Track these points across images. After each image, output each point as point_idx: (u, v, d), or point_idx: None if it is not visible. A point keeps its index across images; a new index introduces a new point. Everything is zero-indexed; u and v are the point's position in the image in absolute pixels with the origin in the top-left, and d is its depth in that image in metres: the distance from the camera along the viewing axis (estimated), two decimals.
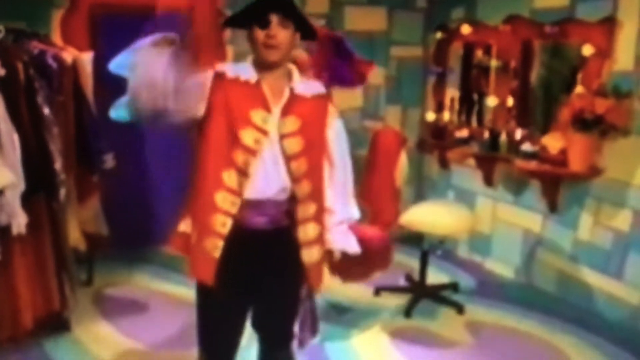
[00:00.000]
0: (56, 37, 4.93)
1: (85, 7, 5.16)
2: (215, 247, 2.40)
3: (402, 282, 5.15)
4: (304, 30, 2.46)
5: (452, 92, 5.91)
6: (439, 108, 6.00)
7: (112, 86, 5.41)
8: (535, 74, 5.05)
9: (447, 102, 5.95)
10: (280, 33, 2.35)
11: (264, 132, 2.38)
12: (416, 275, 4.96)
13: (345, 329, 4.37)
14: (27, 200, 3.60)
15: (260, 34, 2.36)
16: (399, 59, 6.21)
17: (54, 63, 4.03)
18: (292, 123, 2.43)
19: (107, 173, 4.61)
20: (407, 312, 4.58)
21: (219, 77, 2.40)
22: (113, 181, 4.82)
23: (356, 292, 4.98)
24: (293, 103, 2.45)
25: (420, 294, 4.74)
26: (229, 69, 2.44)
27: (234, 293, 2.46)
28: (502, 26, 5.11)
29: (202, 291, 2.54)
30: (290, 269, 2.57)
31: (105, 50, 5.11)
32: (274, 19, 2.34)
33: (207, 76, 2.38)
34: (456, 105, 5.86)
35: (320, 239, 2.60)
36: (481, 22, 5.41)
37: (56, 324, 4.08)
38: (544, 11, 4.78)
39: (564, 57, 4.79)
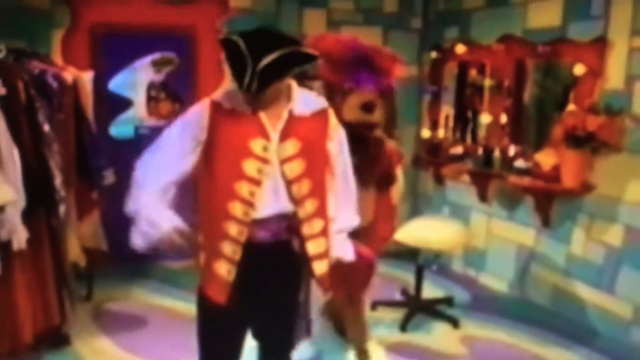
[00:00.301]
0: (57, 57, 5.01)
1: (85, 27, 5.24)
2: (229, 272, 2.44)
3: (398, 296, 5.18)
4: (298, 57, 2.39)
5: (446, 110, 5.98)
6: (434, 125, 6.07)
7: (112, 104, 5.52)
8: (528, 93, 5.12)
9: (442, 119, 6.02)
10: None
11: (266, 161, 2.38)
12: (412, 290, 5.00)
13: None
14: (28, 216, 3.63)
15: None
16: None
17: (55, 82, 4.08)
18: (291, 147, 2.42)
19: (106, 189, 4.66)
20: (403, 326, 4.62)
21: (216, 107, 2.43)
22: (113, 197, 4.84)
23: None
24: (292, 125, 2.43)
25: (416, 309, 4.78)
26: (224, 99, 2.45)
27: (237, 307, 2.47)
28: (496, 46, 5.19)
29: (205, 306, 2.56)
30: (289, 280, 2.62)
31: (105, 69, 5.24)
32: None
33: (204, 107, 2.45)
34: (451, 123, 5.93)
35: (327, 253, 2.62)
36: (475, 42, 5.49)
37: (56, 338, 4.10)
38: (537, 31, 4.86)
39: (556, 76, 4.86)
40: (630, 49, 4.18)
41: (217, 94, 2.48)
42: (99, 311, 4.79)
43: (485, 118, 5.39)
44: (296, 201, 2.44)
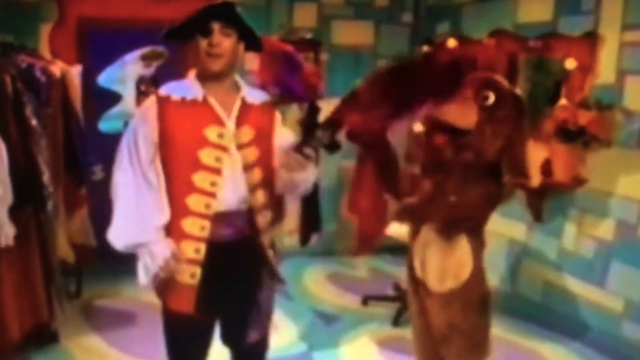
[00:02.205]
0: (44, 51, 4.95)
1: (73, 21, 5.19)
2: (193, 275, 2.36)
3: (390, 291, 5.18)
4: (249, 39, 2.48)
5: None
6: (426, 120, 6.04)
7: (100, 99, 5.46)
8: (519, 87, 5.11)
9: None
10: (224, 41, 2.34)
11: (224, 149, 2.35)
12: (404, 285, 4.99)
13: (333, 338, 4.40)
14: (15, 213, 3.60)
15: (203, 43, 2.35)
16: None
17: (43, 76, 4.04)
18: (246, 133, 2.41)
19: (95, 185, 4.62)
20: (395, 321, 4.62)
21: (164, 101, 2.38)
22: (102, 193, 4.81)
23: (344, 301, 5.02)
24: (245, 112, 2.43)
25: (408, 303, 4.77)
26: (173, 90, 2.41)
27: (203, 309, 2.40)
28: (487, 40, 5.17)
29: (170, 314, 2.50)
30: (254, 278, 2.57)
31: (93, 63, 5.19)
32: (216, 26, 2.34)
33: (150, 104, 2.40)
34: None
35: (273, 245, 2.68)
36: (466, 36, 5.48)
37: (44, 336, 4.07)
38: (528, 26, 4.85)
39: (547, 71, 4.84)
40: (620, 44, 4.18)
41: (164, 88, 2.46)
42: (88, 308, 4.76)
43: None
44: (250, 189, 2.41)
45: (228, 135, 2.36)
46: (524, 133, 2.96)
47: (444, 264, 3.01)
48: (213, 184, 2.33)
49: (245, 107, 2.44)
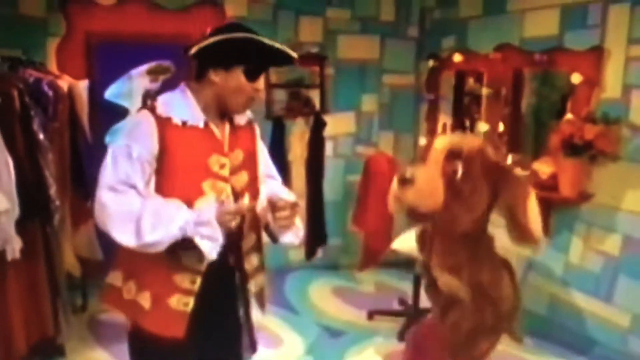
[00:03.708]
0: (52, 65, 4.98)
1: (80, 36, 5.20)
2: (187, 304, 2.24)
3: (395, 305, 5.16)
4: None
5: (444, 119, 5.96)
6: (432, 134, 6.05)
7: (107, 113, 5.49)
8: (525, 101, 5.11)
9: (439, 128, 6.00)
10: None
11: (225, 180, 2.25)
12: (409, 299, 4.98)
13: (338, 352, 4.38)
14: (22, 226, 3.61)
15: (245, 83, 2.19)
16: (391, 87, 6.28)
17: (50, 91, 4.07)
18: (237, 157, 2.31)
19: None
20: (401, 335, 4.59)
21: (165, 122, 2.17)
22: None
23: (350, 315, 5.01)
24: (236, 135, 2.33)
25: (414, 318, 4.74)
26: (171, 111, 2.20)
27: (188, 337, 2.27)
28: (493, 55, 5.17)
29: (149, 343, 2.29)
30: (232, 299, 2.48)
31: (100, 78, 5.22)
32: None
33: (149, 123, 2.17)
34: (448, 131, 5.90)
35: (263, 267, 2.52)
36: (472, 50, 5.48)
37: (50, 349, 4.07)
38: (534, 40, 4.84)
39: (553, 85, 4.86)
40: (627, 58, 4.17)
41: (160, 107, 2.21)
42: (93, 322, 4.75)
43: (482, 126, 5.37)
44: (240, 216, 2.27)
45: (227, 165, 2.26)
46: (517, 193, 2.84)
47: None
48: None
49: (234, 129, 2.33)
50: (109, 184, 2.16)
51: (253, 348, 2.63)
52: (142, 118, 2.19)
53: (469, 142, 2.76)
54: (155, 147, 2.15)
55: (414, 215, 2.88)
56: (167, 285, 2.23)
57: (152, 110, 2.20)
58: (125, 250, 2.17)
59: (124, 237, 2.12)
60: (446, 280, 2.86)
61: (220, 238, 2.12)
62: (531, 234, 2.81)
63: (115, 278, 2.35)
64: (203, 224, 2.09)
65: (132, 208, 2.11)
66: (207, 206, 2.14)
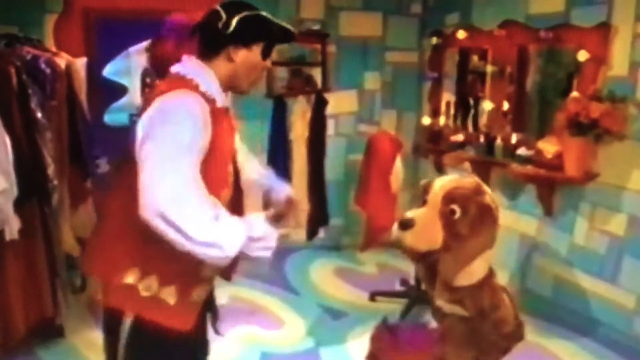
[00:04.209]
0: (49, 43, 4.91)
1: (78, 13, 5.14)
2: (202, 294, 2.20)
3: (397, 287, 5.13)
4: None
5: (447, 97, 5.91)
6: (435, 113, 6.00)
7: (106, 91, 5.44)
8: (530, 79, 5.05)
9: (442, 106, 5.94)
10: None
11: (234, 162, 2.23)
12: (412, 280, 4.95)
13: (340, 334, 4.36)
14: (20, 206, 3.58)
15: (261, 61, 2.15)
16: (394, 65, 6.21)
17: (47, 68, 4.02)
18: (236, 140, 2.31)
19: (100, 178, 4.60)
20: (403, 317, 4.57)
21: (211, 105, 2.03)
22: (107, 186, 4.79)
23: (351, 296, 4.99)
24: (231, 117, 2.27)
25: (416, 299, 4.72)
26: (215, 93, 2.08)
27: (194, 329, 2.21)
28: (498, 32, 5.10)
29: (161, 338, 2.10)
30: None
31: (99, 55, 5.16)
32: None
33: (204, 107, 1.98)
34: (452, 110, 5.85)
35: None
36: (476, 27, 5.41)
37: (49, 330, 4.06)
38: (539, 17, 4.77)
39: (559, 63, 4.79)
40: (634, 35, 4.10)
41: (202, 85, 2.05)
42: (93, 302, 4.71)
43: (487, 105, 5.32)
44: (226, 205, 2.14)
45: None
46: (487, 244, 2.83)
47: None
48: (229, 201, 2.14)
49: (229, 110, 2.23)
50: (186, 177, 1.86)
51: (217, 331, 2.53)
52: (195, 101, 1.97)
53: (465, 183, 2.80)
54: (209, 134, 1.98)
55: (414, 256, 2.96)
56: (194, 276, 2.13)
57: (197, 89, 2.02)
58: (144, 243, 1.97)
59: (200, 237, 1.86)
60: (449, 309, 2.93)
61: (274, 244, 2.00)
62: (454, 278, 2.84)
63: (129, 277, 2.06)
64: (258, 240, 1.95)
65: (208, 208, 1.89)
66: (258, 220, 1.99)
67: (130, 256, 2.07)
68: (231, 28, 2.06)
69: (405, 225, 2.74)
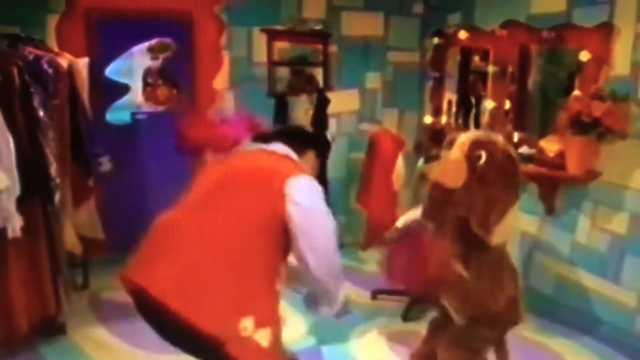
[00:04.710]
0: (52, 43, 4.92)
1: (80, 13, 5.15)
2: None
3: (399, 286, 5.12)
4: None
5: (449, 96, 5.91)
6: (437, 112, 6.00)
7: (108, 90, 5.45)
8: (532, 79, 5.04)
9: (444, 105, 5.94)
10: None
11: None
12: None
13: (342, 332, 4.35)
14: (23, 204, 3.60)
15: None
16: (396, 64, 6.21)
17: (50, 68, 4.04)
18: None
19: (103, 176, 4.61)
20: (404, 315, 4.57)
21: None
22: (109, 184, 4.81)
23: (353, 295, 4.98)
24: None
25: (418, 298, 4.72)
26: None
27: None
28: (499, 31, 5.10)
29: None
30: None
31: (101, 55, 5.17)
32: None
33: None
34: (453, 109, 5.85)
35: None
36: (478, 27, 5.41)
37: (52, 328, 4.08)
38: (541, 17, 4.77)
39: (561, 62, 4.79)
40: (636, 35, 4.09)
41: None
42: (95, 300, 4.74)
43: (488, 104, 5.32)
44: None
45: None
46: (510, 196, 2.88)
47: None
48: None
49: None
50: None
51: None
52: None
53: (494, 136, 2.86)
54: None
55: (437, 192, 2.92)
56: (279, 319, 2.45)
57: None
58: (251, 286, 2.30)
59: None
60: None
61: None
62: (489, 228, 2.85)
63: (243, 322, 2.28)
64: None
65: None
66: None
67: (235, 302, 2.27)
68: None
69: (431, 157, 2.79)
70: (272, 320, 2.34)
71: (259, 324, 2.26)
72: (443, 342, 3.17)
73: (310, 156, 2.80)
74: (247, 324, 2.24)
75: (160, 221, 2.44)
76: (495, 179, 2.76)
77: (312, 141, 2.91)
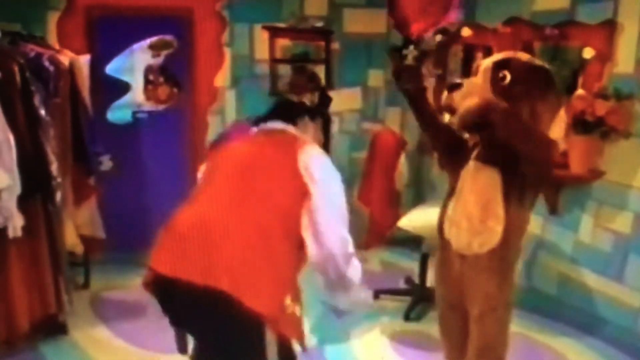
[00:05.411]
0: (52, 40, 4.91)
1: (81, 10, 5.14)
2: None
3: (401, 285, 5.12)
4: None
5: None
6: (439, 110, 5.96)
7: (109, 89, 5.44)
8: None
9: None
10: None
11: None
12: (416, 278, 4.93)
13: (344, 332, 4.34)
14: (23, 203, 3.59)
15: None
16: None
17: (51, 66, 4.03)
18: None
19: (104, 175, 4.59)
20: (407, 315, 4.56)
21: None
22: (110, 183, 4.80)
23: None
24: None
25: (420, 297, 4.71)
26: None
27: None
28: (502, 29, 5.08)
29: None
30: None
31: (102, 52, 5.15)
32: None
33: None
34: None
35: None
36: (481, 24, 5.38)
37: (53, 327, 4.07)
38: (544, 14, 4.75)
39: (564, 60, 4.76)
40: None
41: None
42: (96, 300, 4.73)
43: None
44: None
45: None
46: (549, 105, 2.80)
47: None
48: None
49: None
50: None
51: None
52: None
53: (517, 54, 2.78)
54: None
55: (466, 120, 2.82)
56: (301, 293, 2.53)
57: None
58: (284, 265, 2.42)
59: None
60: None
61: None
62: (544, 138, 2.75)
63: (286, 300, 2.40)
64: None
65: None
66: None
67: (277, 282, 2.37)
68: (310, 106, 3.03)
69: (453, 86, 2.74)
70: (299, 295, 2.47)
71: (294, 300, 2.40)
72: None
73: (308, 123, 2.85)
74: (288, 302, 2.37)
75: (188, 217, 2.42)
76: (526, 93, 2.69)
77: (302, 108, 2.95)
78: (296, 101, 2.97)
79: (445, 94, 2.77)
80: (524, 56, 2.83)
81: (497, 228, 2.67)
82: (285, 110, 2.83)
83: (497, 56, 2.84)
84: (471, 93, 2.69)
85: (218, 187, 2.50)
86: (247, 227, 2.35)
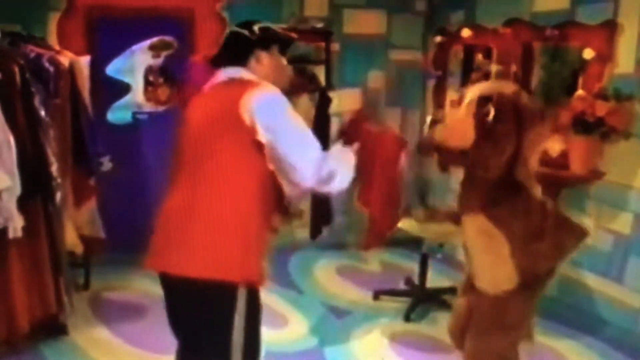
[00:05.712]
0: (52, 41, 4.90)
1: (82, 10, 5.13)
2: None
3: (401, 285, 5.11)
4: None
5: (452, 95, 5.87)
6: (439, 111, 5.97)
7: (109, 89, 5.43)
8: (535, 78, 5.02)
9: (447, 104, 5.91)
10: None
11: None
12: (416, 279, 4.93)
13: (344, 333, 4.34)
14: (24, 204, 3.58)
15: (280, 60, 2.71)
16: (398, 63, 6.19)
17: (51, 67, 4.02)
18: None
19: (104, 176, 4.59)
20: (407, 316, 4.55)
21: None
22: (110, 184, 4.79)
23: (355, 295, 4.97)
24: None
25: (420, 298, 4.71)
26: None
27: None
28: (502, 29, 5.08)
29: (252, 295, 2.54)
30: None
31: (102, 53, 5.14)
32: None
33: None
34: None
35: None
36: (481, 25, 5.38)
37: (53, 328, 4.06)
38: (544, 14, 4.75)
39: (564, 61, 4.76)
40: None
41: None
42: (96, 300, 4.73)
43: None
44: None
45: None
46: (532, 138, 2.83)
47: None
48: None
49: None
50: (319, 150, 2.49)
51: None
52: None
53: (503, 87, 2.77)
54: None
55: (445, 155, 2.87)
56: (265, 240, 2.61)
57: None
58: (253, 227, 2.44)
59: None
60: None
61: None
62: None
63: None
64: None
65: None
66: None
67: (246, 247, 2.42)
68: (255, 34, 2.57)
69: (436, 121, 2.76)
70: (266, 247, 2.54)
71: (262, 254, 2.52)
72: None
73: (261, 55, 2.57)
74: (256, 258, 2.47)
75: (161, 209, 2.57)
76: (508, 132, 2.69)
77: (249, 41, 2.57)
78: (241, 33, 2.57)
79: (426, 126, 2.80)
80: (509, 89, 2.82)
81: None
82: (232, 49, 2.57)
83: (482, 88, 2.83)
84: (453, 128, 2.71)
85: (179, 171, 2.61)
86: (204, 206, 2.38)
